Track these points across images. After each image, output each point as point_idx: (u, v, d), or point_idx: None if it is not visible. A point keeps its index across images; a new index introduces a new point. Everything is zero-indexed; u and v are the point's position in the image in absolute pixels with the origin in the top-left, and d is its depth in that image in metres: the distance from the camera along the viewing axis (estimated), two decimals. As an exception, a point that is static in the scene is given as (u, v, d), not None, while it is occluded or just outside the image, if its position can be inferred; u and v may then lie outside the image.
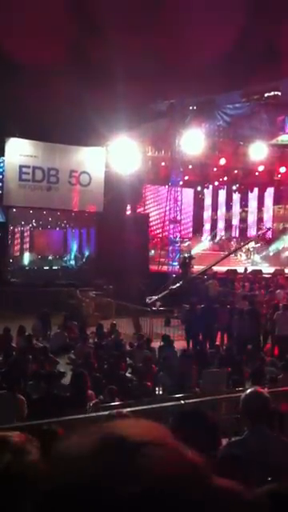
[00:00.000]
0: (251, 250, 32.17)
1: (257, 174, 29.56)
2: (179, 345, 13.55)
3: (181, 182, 25.71)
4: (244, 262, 30.35)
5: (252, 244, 33.00)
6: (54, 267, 22.86)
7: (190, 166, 27.61)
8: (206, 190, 34.68)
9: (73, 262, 23.33)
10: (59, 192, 22.60)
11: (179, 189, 25.29)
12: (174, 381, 8.91)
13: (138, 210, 28.23)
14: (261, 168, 28.59)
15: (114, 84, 18.49)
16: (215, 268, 23.93)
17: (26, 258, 22.24)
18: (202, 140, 24.68)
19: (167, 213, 25.38)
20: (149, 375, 9.19)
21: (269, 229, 30.14)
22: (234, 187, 33.87)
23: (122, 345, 12.12)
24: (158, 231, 28.38)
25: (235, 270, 24.26)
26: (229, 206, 35.58)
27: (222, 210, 35.60)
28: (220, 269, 24.27)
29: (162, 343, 12.35)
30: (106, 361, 10.23)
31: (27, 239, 22.32)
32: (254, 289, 19.25)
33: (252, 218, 35.31)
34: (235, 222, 35.87)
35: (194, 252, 28.26)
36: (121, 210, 24.75)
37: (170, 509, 0.56)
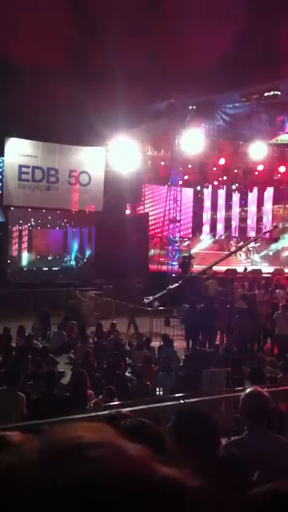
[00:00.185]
0: (251, 249, 32.17)
1: (256, 173, 29.55)
2: (179, 344, 13.57)
3: (180, 182, 25.71)
4: (243, 262, 30.35)
5: (251, 243, 33.01)
6: (53, 268, 22.82)
7: (190, 166, 27.61)
8: (205, 190, 34.65)
9: (73, 263, 23.30)
10: (59, 192, 22.60)
11: (179, 188, 25.29)
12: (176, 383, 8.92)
13: (138, 210, 28.24)
14: (260, 168, 28.58)
15: (114, 84, 18.51)
16: (214, 267, 23.95)
17: (25, 257, 22.18)
18: (202, 139, 24.67)
19: (167, 212, 25.38)
20: (148, 375, 9.20)
21: (275, 227, 30.09)
22: (234, 187, 33.86)
23: (122, 344, 12.12)
24: (157, 230, 28.37)
25: (235, 270, 24.26)
26: (228, 206, 35.56)
27: (221, 210, 35.59)
28: (219, 268, 24.28)
29: (161, 343, 12.36)
30: (106, 360, 10.24)
31: (25, 238, 22.22)
32: (254, 288, 19.26)
33: (251, 217, 35.31)
34: (235, 221, 35.86)
35: (193, 251, 28.27)
36: (120, 209, 24.76)
37: (111, 507, 0.57)
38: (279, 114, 28.38)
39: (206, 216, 35.61)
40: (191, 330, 14.62)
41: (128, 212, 26.70)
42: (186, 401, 5.87)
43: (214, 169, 29.14)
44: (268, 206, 34.93)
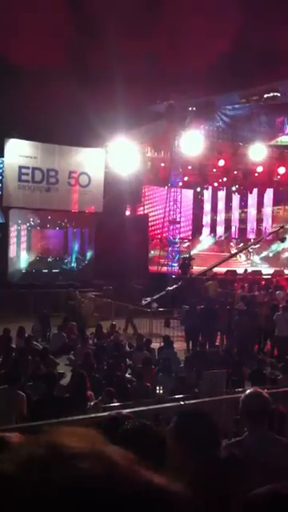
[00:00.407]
0: (251, 251, 32.20)
1: (256, 175, 29.56)
2: (179, 346, 13.57)
3: (180, 183, 25.73)
4: (243, 263, 30.38)
5: (255, 245, 33.03)
6: (53, 270, 22.79)
7: (190, 167, 27.62)
8: (205, 191, 34.67)
9: (74, 265, 23.27)
10: (58, 193, 22.59)
11: (179, 190, 25.30)
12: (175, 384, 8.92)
13: (138, 211, 28.24)
14: (260, 169, 28.60)
15: (114, 85, 18.51)
16: (214, 269, 23.97)
17: (25, 259, 22.15)
18: (202, 141, 24.69)
19: (166, 214, 25.38)
20: (148, 376, 9.19)
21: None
22: (234, 188, 33.88)
23: (122, 346, 12.11)
24: (157, 232, 28.38)
25: (235, 271, 24.28)
26: (228, 207, 35.57)
27: (221, 211, 35.60)
28: (219, 270, 24.30)
29: (161, 344, 12.36)
30: (106, 362, 10.23)
31: (24, 239, 22.17)
32: (254, 290, 19.28)
33: (251, 218, 35.32)
34: (234, 222, 35.88)
35: (193, 253, 28.28)
36: (120, 210, 24.76)
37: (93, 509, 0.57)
38: (279, 116, 28.40)
39: (206, 217, 35.63)
40: (191, 331, 14.61)
41: (128, 213, 26.70)
42: (186, 402, 5.87)
43: (214, 170, 29.15)
44: (268, 207, 34.95)
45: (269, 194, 34.30)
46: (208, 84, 20.07)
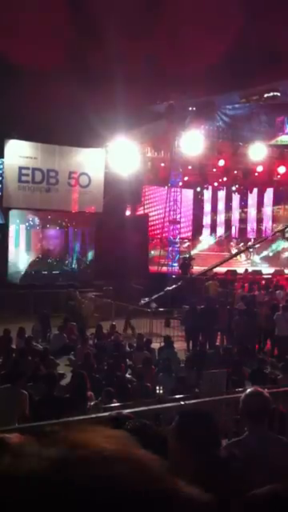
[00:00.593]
0: (251, 250, 32.21)
1: (256, 174, 29.57)
2: (179, 345, 13.57)
3: (180, 183, 25.72)
4: (244, 263, 30.39)
5: (249, 244, 33.05)
6: (53, 270, 22.77)
7: (190, 167, 27.62)
8: (205, 191, 34.69)
9: (74, 265, 23.26)
10: (59, 193, 22.58)
11: (179, 190, 25.29)
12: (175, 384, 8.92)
13: (138, 211, 28.24)
14: (260, 169, 28.59)
15: (114, 85, 18.51)
16: (215, 269, 23.98)
17: (25, 259, 22.13)
18: (202, 141, 24.68)
19: (167, 214, 25.38)
20: (148, 376, 9.19)
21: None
22: (234, 188, 33.89)
23: (122, 346, 12.11)
24: (157, 232, 28.39)
25: (235, 271, 24.28)
26: (228, 207, 35.59)
27: (221, 211, 35.60)
28: (219, 269, 24.31)
29: (161, 344, 12.36)
30: (106, 362, 10.23)
31: (24, 239, 22.16)
32: (254, 289, 19.27)
33: (251, 218, 35.33)
34: (235, 222, 35.89)
35: (193, 253, 28.30)
36: (120, 210, 24.75)
37: None
38: (279, 115, 28.39)
39: (206, 217, 35.64)
40: (191, 331, 14.61)
41: (128, 213, 26.70)
42: (186, 402, 5.88)
43: (214, 170, 29.15)
44: (268, 207, 34.96)
45: (269, 194, 34.31)
46: (208, 84, 20.08)
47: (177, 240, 25.37)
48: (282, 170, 28.74)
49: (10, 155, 21.50)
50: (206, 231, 35.47)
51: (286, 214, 35.03)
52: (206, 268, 24.62)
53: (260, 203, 34.91)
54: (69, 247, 23.19)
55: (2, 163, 22.16)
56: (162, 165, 27.41)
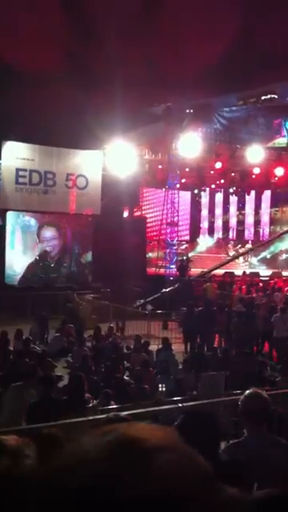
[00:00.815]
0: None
1: (253, 176, 29.60)
2: (177, 348, 13.55)
3: (178, 185, 25.74)
4: (241, 265, 30.42)
5: (249, 246, 33.11)
6: (51, 272, 22.72)
7: (187, 169, 27.65)
8: (203, 193, 34.73)
9: (72, 267, 23.21)
10: (56, 195, 22.56)
11: (176, 192, 25.31)
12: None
13: (136, 213, 28.24)
14: (257, 171, 28.63)
15: (111, 88, 18.49)
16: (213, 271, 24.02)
17: (22, 261, 22.08)
18: (199, 143, 24.72)
19: (164, 216, 25.40)
20: (146, 378, 9.18)
21: None
22: (231, 190, 33.92)
23: (120, 348, 12.09)
24: (154, 233, 28.39)
25: (233, 273, 24.30)
26: (226, 209, 35.65)
27: (219, 213, 35.66)
28: (217, 271, 24.33)
29: (159, 346, 12.35)
30: (104, 364, 10.21)
31: (21, 241, 22.10)
32: (252, 291, 19.28)
33: (249, 220, 35.39)
34: (232, 224, 35.95)
35: (191, 255, 28.31)
36: (118, 212, 24.75)
37: None
38: (276, 118, 28.47)
39: (204, 219, 35.68)
40: (189, 333, 14.60)
41: (126, 215, 26.70)
42: (185, 404, 5.86)
43: (212, 172, 29.18)
44: (265, 209, 35.02)
45: (266, 196, 34.37)
46: (206, 87, 20.07)
47: (174, 242, 25.38)
48: (279, 172, 28.76)
49: (7, 157, 21.48)
50: (203, 233, 35.51)
51: (283, 216, 35.09)
52: (204, 270, 24.65)
53: (257, 205, 34.98)
54: (66, 249, 23.14)
55: (0, 165, 22.13)
56: (160, 167, 27.43)
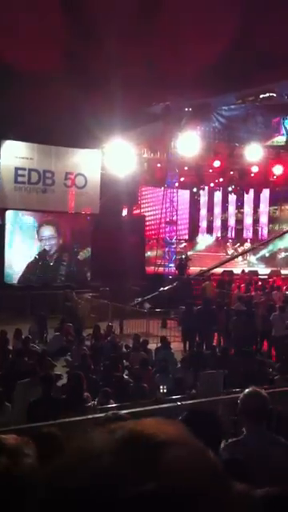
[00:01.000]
0: (242, 250, 32.27)
1: (252, 175, 29.61)
2: (176, 346, 13.56)
3: (176, 184, 25.74)
4: (240, 263, 30.41)
5: (248, 245, 33.11)
6: (50, 271, 22.71)
7: (186, 168, 27.65)
8: (201, 192, 34.73)
9: (72, 267, 23.21)
10: (55, 194, 22.56)
11: (175, 190, 25.31)
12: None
13: (134, 212, 28.24)
14: (256, 169, 28.64)
15: (110, 87, 18.49)
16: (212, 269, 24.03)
17: (21, 260, 22.06)
18: (198, 142, 24.72)
19: (163, 214, 25.41)
20: (145, 377, 9.19)
21: None
22: (230, 189, 33.92)
23: (119, 346, 12.10)
24: (153, 232, 28.40)
25: (231, 272, 24.30)
26: (225, 208, 35.65)
27: (217, 212, 35.67)
28: (216, 270, 24.33)
29: (158, 345, 12.35)
30: (103, 363, 10.22)
31: (20, 240, 22.08)
32: (250, 290, 19.29)
33: (248, 219, 35.39)
34: (231, 223, 35.95)
35: (190, 253, 28.31)
36: (117, 211, 24.75)
37: (189, 509, 0.55)
38: (274, 116, 28.48)
39: (203, 218, 35.69)
40: (188, 331, 14.61)
41: (124, 214, 26.70)
42: (183, 403, 5.87)
43: (210, 171, 29.19)
44: (264, 207, 35.03)
45: (265, 195, 34.37)
46: (205, 86, 20.06)
47: (173, 241, 25.40)
48: (277, 170, 28.77)
49: (6, 156, 21.47)
50: (202, 232, 35.52)
51: (282, 215, 35.10)
52: (203, 269, 24.67)
53: (256, 204, 34.99)
54: (65, 248, 23.13)
55: (-2, 164, 22.11)
56: (159, 166, 27.43)
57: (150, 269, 25.25)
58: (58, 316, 15.36)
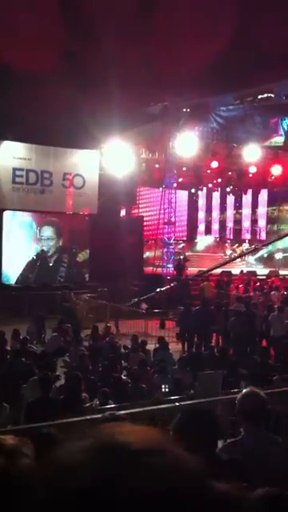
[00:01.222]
0: (245, 251, 32.27)
1: (250, 175, 29.64)
2: (174, 347, 13.56)
3: (175, 184, 25.75)
4: (238, 264, 30.42)
5: (246, 245, 33.12)
6: (48, 272, 22.68)
7: (184, 168, 27.66)
8: (200, 192, 34.73)
9: (70, 268, 23.19)
10: (53, 195, 22.55)
11: (173, 191, 25.32)
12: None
13: (133, 212, 28.23)
14: (254, 170, 28.66)
15: (108, 87, 18.49)
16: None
17: (19, 261, 22.03)
18: (196, 142, 24.73)
19: (161, 215, 25.41)
20: (144, 378, 9.18)
21: None
22: (228, 189, 33.95)
23: (117, 347, 12.09)
24: (150, 232, 28.40)
25: (230, 272, 24.31)
26: (223, 208, 35.66)
27: (216, 212, 35.68)
28: (214, 270, 24.34)
29: (157, 345, 12.34)
30: (101, 363, 10.21)
31: (18, 240, 22.05)
32: (249, 290, 19.30)
33: (246, 219, 35.40)
34: (229, 223, 35.96)
35: (188, 254, 28.32)
36: (115, 212, 24.74)
37: None
38: (273, 117, 28.51)
39: (201, 218, 35.70)
40: (186, 332, 14.61)
41: (123, 214, 26.70)
42: (182, 403, 5.86)
43: (209, 171, 29.20)
44: (262, 208, 35.05)
45: (263, 195, 34.39)
46: (203, 86, 20.08)
47: (171, 241, 25.40)
48: (276, 171, 28.79)
49: (3, 156, 21.46)
50: (200, 232, 35.53)
51: (280, 215, 35.14)
52: (203, 269, 24.69)
53: (254, 204, 35.01)
54: (63, 249, 23.12)
55: (-4, 165, 22.09)
56: (157, 166, 27.43)
57: (149, 269, 25.26)
58: (56, 316, 15.35)
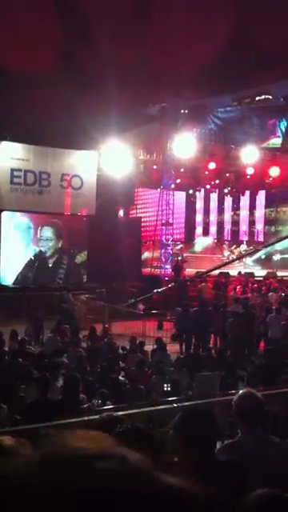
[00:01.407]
0: (243, 252, 32.29)
1: (248, 177, 29.64)
2: (172, 348, 13.55)
3: (172, 186, 25.76)
4: (236, 265, 30.43)
5: (244, 247, 33.14)
6: (46, 273, 22.67)
7: (182, 170, 27.65)
8: (197, 194, 34.73)
9: (68, 269, 23.17)
10: (51, 195, 22.54)
11: (171, 192, 25.32)
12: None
13: (131, 213, 28.24)
14: (252, 171, 28.66)
15: (106, 88, 18.51)
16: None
17: (17, 262, 22.01)
18: (194, 143, 24.75)
19: (159, 216, 25.41)
20: (142, 378, 9.18)
21: None
22: (226, 190, 33.94)
23: (116, 348, 12.09)
24: (148, 233, 28.40)
25: (227, 273, 24.32)
26: (221, 209, 35.65)
27: (213, 213, 35.68)
28: (212, 272, 24.33)
29: (154, 346, 12.35)
30: (99, 364, 10.21)
31: (16, 242, 22.03)
32: (247, 292, 19.31)
33: (244, 221, 35.41)
34: (227, 225, 35.95)
35: (186, 255, 28.34)
36: (113, 213, 24.74)
37: None
38: (270, 118, 28.54)
39: (199, 220, 35.70)
40: (184, 333, 14.60)
41: (121, 215, 26.70)
42: (179, 404, 5.87)
43: (206, 172, 29.20)
44: (260, 209, 35.07)
45: (261, 196, 34.40)
46: (201, 87, 20.12)
47: (169, 242, 25.40)
48: (273, 172, 28.80)
49: (1, 157, 21.44)
50: (198, 233, 35.53)
51: (278, 217, 35.16)
52: (201, 270, 24.69)
53: (252, 206, 35.01)
54: (61, 249, 23.10)
55: (-6, 165, 22.07)
56: (155, 167, 27.42)
57: (146, 270, 25.26)
58: (54, 317, 15.33)
